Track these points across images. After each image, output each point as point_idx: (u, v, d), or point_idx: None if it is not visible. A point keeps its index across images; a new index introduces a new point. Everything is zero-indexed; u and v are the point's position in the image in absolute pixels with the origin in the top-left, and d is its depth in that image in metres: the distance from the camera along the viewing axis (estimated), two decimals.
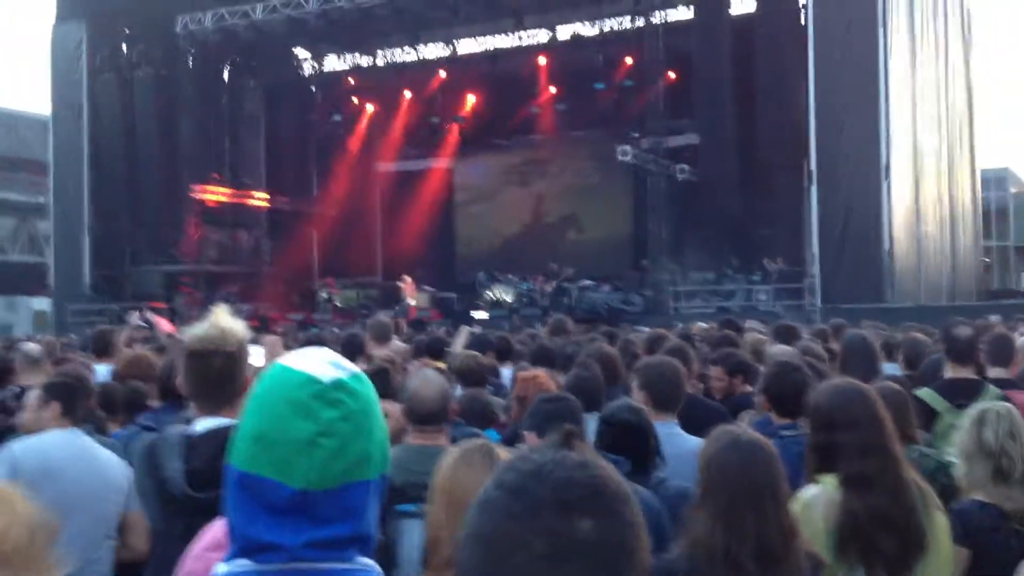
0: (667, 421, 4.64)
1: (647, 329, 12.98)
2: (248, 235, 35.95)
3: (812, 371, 5.09)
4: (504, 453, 2.95)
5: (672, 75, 29.48)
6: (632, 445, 4.04)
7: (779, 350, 6.61)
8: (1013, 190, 43.58)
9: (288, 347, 9.09)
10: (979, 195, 33.12)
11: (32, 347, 7.38)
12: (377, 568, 1.61)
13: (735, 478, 2.86)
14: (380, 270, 35.85)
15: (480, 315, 27.04)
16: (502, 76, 33.57)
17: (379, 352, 7.88)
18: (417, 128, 36.25)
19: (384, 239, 36.91)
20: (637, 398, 4.79)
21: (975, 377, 5.54)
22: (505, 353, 8.45)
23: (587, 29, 32.94)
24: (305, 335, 11.26)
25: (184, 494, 2.89)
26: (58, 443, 4.47)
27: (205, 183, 32.60)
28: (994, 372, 5.81)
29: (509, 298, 28.97)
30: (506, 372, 7.58)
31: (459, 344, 8.61)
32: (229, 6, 30.35)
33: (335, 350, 5.71)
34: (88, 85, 31.66)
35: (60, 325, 29.24)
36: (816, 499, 3.30)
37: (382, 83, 35.78)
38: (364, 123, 36.64)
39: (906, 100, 25.27)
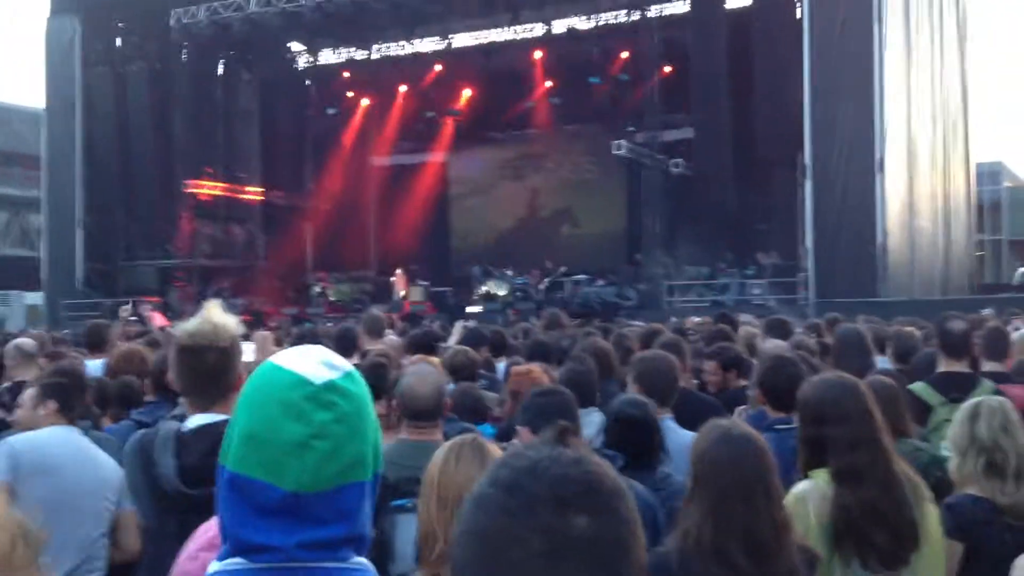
0: (661, 415, 4.64)
1: (639, 323, 13.00)
2: (242, 229, 35.93)
3: (804, 365, 5.09)
4: (494, 448, 2.97)
5: (667, 69, 29.49)
6: (638, 440, 4.05)
7: (771, 344, 6.61)
8: (1007, 184, 43.62)
9: (280, 342, 9.09)
10: (973, 189, 33.14)
11: (26, 341, 7.37)
12: (371, 567, 1.60)
13: (725, 472, 2.86)
14: (374, 264, 35.84)
15: (474, 309, 27.06)
16: (497, 70, 33.55)
17: (373, 347, 7.87)
18: (412, 122, 36.23)
19: (378, 233, 36.91)
20: (631, 392, 4.80)
21: (969, 371, 5.55)
22: (500, 347, 8.44)
23: (582, 23, 32.93)
24: (299, 330, 11.24)
25: (177, 491, 2.88)
26: (56, 439, 4.46)
27: (199, 177, 32.58)
28: (988, 366, 5.82)
29: (503, 292, 28.99)
30: (501, 366, 7.58)
31: (454, 339, 8.61)
32: None
33: (329, 345, 5.72)
34: (82, 79, 31.56)
35: (53, 319, 29.17)
36: (808, 493, 3.31)
37: (377, 77, 35.75)
38: (359, 117, 36.62)
39: (901, 94, 25.29)
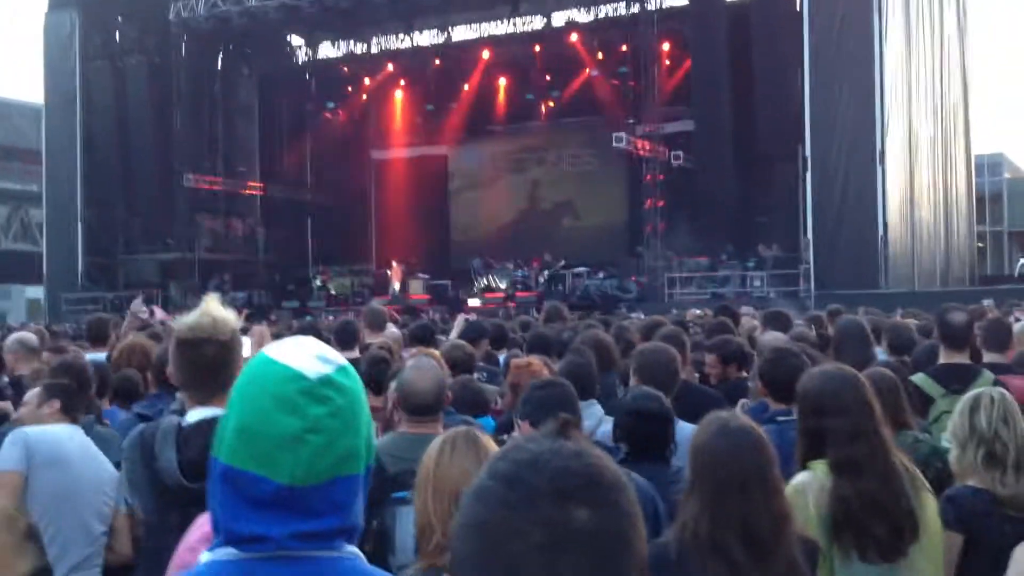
0: None
1: (636, 316, 13.01)
2: (242, 223, 35.94)
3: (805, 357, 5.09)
4: (489, 441, 2.98)
5: (667, 62, 29.48)
6: (653, 434, 4.05)
7: (770, 337, 6.61)
8: (1007, 175, 43.61)
9: (279, 336, 9.08)
10: (973, 181, 33.14)
11: (28, 336, 7.37)
12: (360, 554, 1.61)
13: (723, 464, 2.86)
14: (374, 258, 35.84)
15: (473, 302, 27.10)
16: (497, 63, 33.52)
17: (374, 340, 7.87)
18: (412, 115, 36.21)
19: (379, 227, 36.91)
20: (632, 384, 4.80)
21: (969, 363, 5.54)
22: (500, 340, 8.44)
23: (582, 16, 32.90)
24: (299, 323, 11.24)
25: (178, 484, 2.87)
26: (65, 435, 4.48)
27: (199, 171, 32.55)
28: (990, 357, 5.81)
29: (503, 285, 29.00)
30: (503, 359, 7.56)
31: (455, 333, 8.60)
32: None
33: (329, 338, 5.72)
34: (81, 73, 31.58)
35: (54, 313, 29.20)
36: (807, 485, 3.31)
37: (377, 70, 35.71)
38: (358, 110, 36.60)
39: (901, 86, 25.28)
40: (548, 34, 33.11)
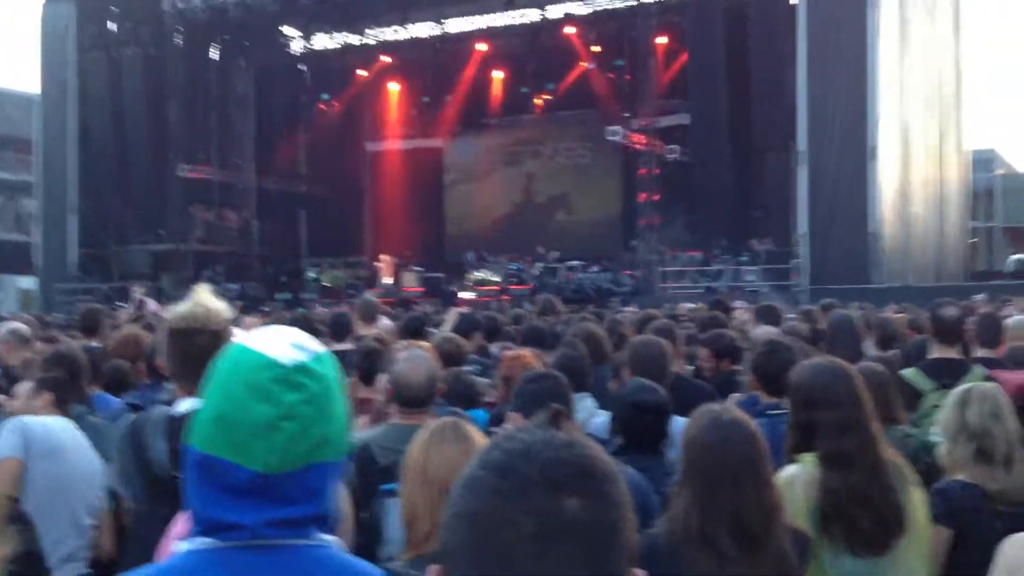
0: None
1: (630, 309, 13.02)
2: (236, 215, 35.87)
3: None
4: (475, 431, 3.01)
5: (664, 55, 29.44)
6: (651, 426, 4.06)
7: (761, 331, 6.62)
8: (1000, 171, 43.72)
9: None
10: (967, 176, 33.19)
11: (21, 326, 7.36)
12: (336, 542, 1.61)
13: (714, 457, 2.88)
14: (368, 250, 35.81)
15: (466, 295, 27.10)
16: (493, 55, 33.48)
17: (367, 332, 7.88)
18: (407, 107, 36.16)
19: (373, 219, 36.87)
20: (625, 377, 4.81)
21: (960, 357, 5.56)
22: (493, 333, 8.44)
23: (579, 8, 32.81)
24: (292, 315, 11.24)
25: (169, 475, 2.88)
26: (59, 427, 4.49)
27: (193, 162, 32.48)
28: (981, 352, 5.83)
29: (497, 279, 29.00)
30: (496, 352, 7.57)
31: (448, 326, 8.60)
32: None
33: (323, 330, 5.73)
34: (76, 64, 31.49)
35: (46, 304, 29.13)
36: (796, 477, 3.32)
37: (372, 62, 35.65)
38: (353, 102, 36.52)
39: (895, 82, 25.29)
40: (544, 27, 33.06)
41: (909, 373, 5.23)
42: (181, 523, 2.08)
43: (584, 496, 1.12)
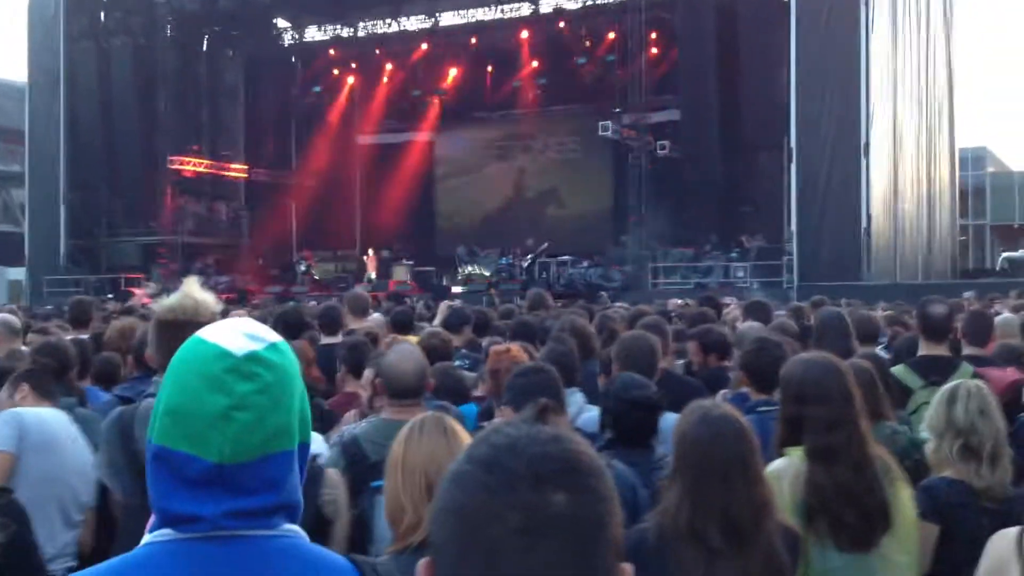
0: None
1: (620, 305, 13.02)
2: (226, 207, 35.83)
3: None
4: (457, 425, 3.03)
5: (654, 51, 29.45)
6: (642, 422, 4.06)
7: (747, 327, 6.63)
8: (990, 169, 43.89)
9: (262, 321, 9.06)
10: (957, 174, 33.31)
11: (11, 318, 7.34)
12: (301, 533, 1.61)
13: (705, 452, 2.89)
14: (359, 243, 35.76)
15: (456, 289, 27.10)
16: (484, 49, 33.46)
17: (357, 325, 7.87)
18: (398, 101, 36.12)
19: (363, 212, 36.81)
20: (614, 372, 4.81)
21: (949, 355, 5.58)
22: (483, 327, 8.44)
23: (570, 2, 32.82)
24: (281, 308, 11.22)
25: None
26: (54, 419, 4.47)
27: (183, 154, 32.40)
28: (970, 350, 5.85)
29: (488, 273, 28.99)
30: (486, 346, 7.56)
31: (439, 319, 8.60)
32: None
33: (313, 323, 5.71)
34: (65, 53, 31.32)
35: (35, 295, 29.05)
36: (783, 471, 3.33)
37: (363, 55, 35.59)
38: (344, 95, 36.48)
39: (887, 79, 25.35)
40: (536, 21, 33.03)
41: (898, 370, 5.24)
42: None
43: (571, 491, 1.12)
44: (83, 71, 31.59)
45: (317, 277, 31.88)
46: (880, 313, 9.76)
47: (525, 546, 1.09)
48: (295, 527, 1.60)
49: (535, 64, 33.15)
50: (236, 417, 1.51)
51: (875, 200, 24.27)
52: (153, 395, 3.22)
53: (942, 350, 5.54)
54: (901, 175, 26.25)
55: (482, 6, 33.68)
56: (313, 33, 36.95)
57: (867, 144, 23.89)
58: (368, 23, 35.59)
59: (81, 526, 4.46)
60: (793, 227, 24.58)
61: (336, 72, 36.15)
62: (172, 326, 2.98)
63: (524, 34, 32.81)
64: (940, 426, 3.65)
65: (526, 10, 33.30)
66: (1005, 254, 34.45)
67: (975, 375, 4.68)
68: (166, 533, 1.53)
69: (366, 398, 4.88)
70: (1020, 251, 33.41)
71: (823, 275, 22.42)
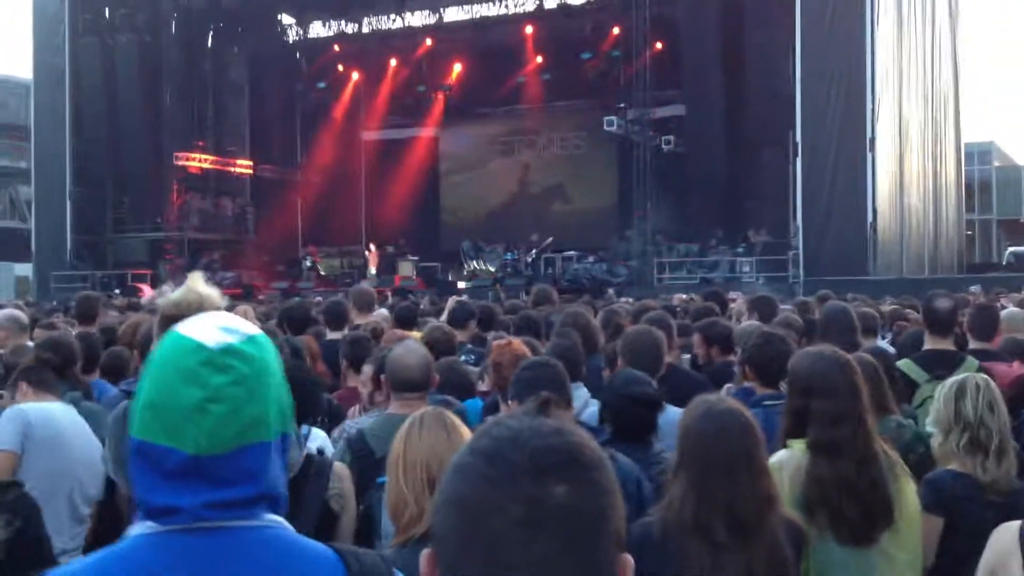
0: None
1: (626, 300, 13.03)
2: (232, 203, 35.85)
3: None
4: (457, 420, 3.06)
5: (659, 46, 29.40)
6: (642, 417, 4.06)
7: (746, 325, 6.62)
8: (997, 164, 43.77)
9: (268, 316, 9.09)
10: (963, 168, 33.25)
11: (19, 313, 7.36)
12: (284, 524, 1.62)
13: (709, 446, 2.89)
14: (364, 239, 35.78)
15: (461, 284, 27.12)
16: (488, 45, 33.42)
17: (363, 320, 7.89)
18: (402, 96, 36.11)
19: (368, 208, 36.82)
20: (619, 367, 4.81)
21: (954, 349, 5.57)
22: (488, 322, 8.44)
23: None
24: (287, 303, 11.26)
25: None
26: (61, 414, 4.47)
27: (188, 150, 32.42)
28: (975, 344, 5.83)
29: (492, 268, 29.00)
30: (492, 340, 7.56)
31: (446, 315, 8.60)
32: None
33: (318, 318, 5.72)
34: (70, 50, 31.35)
35: (42, 291, 29.11)
36: (784, 463, 3.33)
37: (368, 51, 35.59)
38: (349, 91, 36.46)
39: (892, 73, 25.30)
40: (540, 16, 33.00)
41: (903, 364, 5.24)
42: None
43: (572, 483, 1.13)
44: (88, 67, 31.61)
45: (323, 273, 31.91)
46: (885, 308, 9.77)
47: (526, 538, 1.10)
48: (278, 518, 1.61)
49: (539, 60, 33.10)
50: (211, 409, 1.53)
51: (880, 195, 24.23)
52: None
53: (947, 344, 5.53)
54: (907, 170, 26.20)
55: (486, 1, 33.65)
56: (318, 29, 36.96)
57: (872, 139, 23.84)
58: (372, 19, 35.58)
59: (90, 520, 4.47)
60: (799, 222, 24.55)
61: (341, 68, 36.13)
62: (176, 321, 2.97)
63: (528, 29, 32.76)
64: (948, 420, 3.64)
65: (530, 5, 33.28)
66: (1011, 248, 34.35)
67: (980, 369, 4.68)
68: (149, 526, 1.55)
69: (365, 394, 4.89)
70: None
71: (829, 270, 22.41)
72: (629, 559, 1.18)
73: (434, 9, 34.58)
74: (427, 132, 36.45)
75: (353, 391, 5.49)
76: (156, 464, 1.54)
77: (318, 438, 4.00)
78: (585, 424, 3.96)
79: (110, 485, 4.27)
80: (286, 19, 36.79)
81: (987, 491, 3.52)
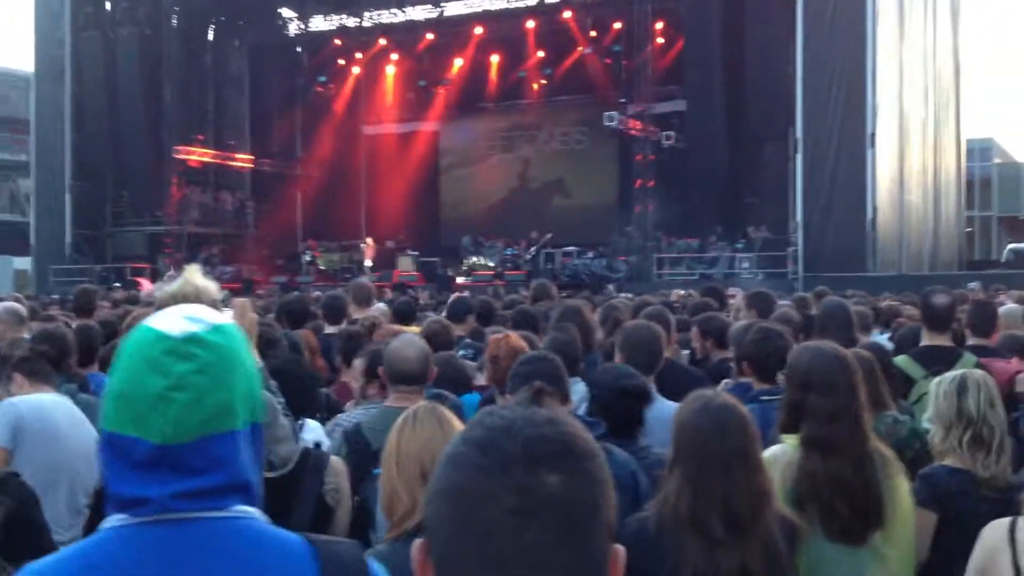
0: None
1: (626, 296, 13.03)
2: (232, 197, 35.84)
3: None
4: (451, 415, 3.07)
5: (660, 41, 29.39)
6: (631, 411, 4.05)
7: (738, 325, 6.61)
8: (997, 161, 43.72)
9: (267, 309, 9.09)
10: (963, 165, 33.22)
11: (18, 306, 7.36)
12: (258, 515, 1.61)
13: (705, 441, 2.88)
14: (364, 233, 35.76)
15: (461, 280, 27.13)
16: (489, 39, 33.38)
17: (361, 315, 7.89)
18: (403, 91, 36.07)
19: (368, 202, 36.81)
20: (616, 361, 4.81)
21: (951, 345, 5.57)
22: (487, 317, 8.45)
23: None
24: (286, 297, 11.26)
25: None
26: (55, 406, 4.46)
27: (188, 143, 32.41)
28: (974, 340, 5.83)
29: (493, 263, 29.00)
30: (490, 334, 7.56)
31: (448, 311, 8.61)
32: None
33: (317, 312, 5.74)
34: (71, 43, 31.34)
35: (41, 285, 29.10)
36: (776, 457, 3.32)
37: (369, 45, 35.54)
38: (350, 85, 36.44)
39: (893, 69, 25.28)
40: (541, 11, 32.95)
41: (900, 360, 5.24)
42: None
43: (565, 473, 1.13)
44: (89, 61, 31.59)
45: (322, 267, 31.89)
46: (882, 304, 9.77)
47: (519, 527, 1.10)
48: (250, 508, 1.60)
49: (541, 54, 33.08)
50: (175, 397, 1.54)
51: (881, 191, 24.22)
52: None
53: (945, 340, 5.53)
54: (907, 166, 26.18)
55: None
56: (319, 23, 36.91)
57: (873, 135, 23.83)
58: (374, 13, 35.53)
59: (88, 511, 4.47)
60: (799, 218, 24.54)
61: (341, 62, 36.10)
62: None
63: (530, 24, 32.72)
64: (949, 416, 3.63)
65: (532, 0, 33.23)
66: (1011, 245, 34.29)
67: (978, 365, 4.68)
68: (121, 518, 1.55)
69: (357, 388, 4.89)
70: None
71: (828, 266, 22.41)
72: (621, 550, 1.19)
73: (435, 3, 34.53)
74: (428, 127, 36.42)
75: (347, 385, 5.51)
76: (124, 455, 1.55)
77: (313, 431, 4.01)
78: (583, 418, 3.96)
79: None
80: (287, 13, 36.75)
81: (984, 487, 3.52)
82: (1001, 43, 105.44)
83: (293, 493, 3.50)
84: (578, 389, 4.79)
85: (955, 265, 29.91)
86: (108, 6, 32.46)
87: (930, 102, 28.59)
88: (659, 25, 29.26)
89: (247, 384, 1.63)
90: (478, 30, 33.64)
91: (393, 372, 4.17)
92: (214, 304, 3.02)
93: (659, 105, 29.13)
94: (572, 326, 5.63)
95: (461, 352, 6.54)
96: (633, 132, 28.48)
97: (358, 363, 4.86)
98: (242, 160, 35.33)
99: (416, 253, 30.70)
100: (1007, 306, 7.87)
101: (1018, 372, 5.29)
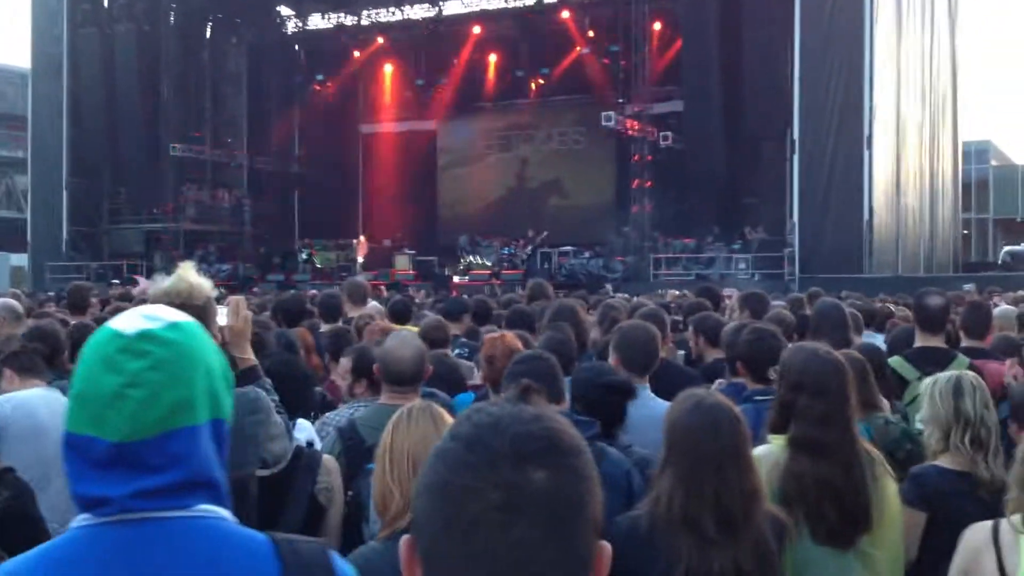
0: (639, 384, 4.64)
1: (622, 296, 13.03)
2: (228, 194, 35.81)
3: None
4: (445, 414, 3.06)
5: (658, 41, 29.41)
6: (616, 408, 4.04)
7: (729, 327, 6.63)
8: (994, 163, 43.78)
9: (262, 307, 9.09)
10: (960, 167, 33.26)
11: (14, 302, 7.35)
12: (224, 514, 1.61)
13: (697, 441, 2.88)
14: (361, 232, 35.77)
15: (458, 279, 27.14)
16: (487, 39, 33.39)
17: (356, 313, 7.88)
18: (401, 90, 36.07)
19: (365, 201, 36.81)
20: (612, 360, 4.81)
21: (945, 346, 5.56)
22: (484, 316, 8.45)
23: None
24: (282, 295, 11.25)
25: None
26: (42, 402, 4.44)
27: (186, 141, 32.38)
28: (968, 342, 5.83)
29: (490, 263, 29.01)
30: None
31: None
32: None
33: (313, 311, 5.72)
34: (68, 39, 31.31)
35: (38, 281, 29.08)
36: (763, 457, 3.32)
37: (367, 43, 35.54)
38: (348, 83, 36.42)
39: (891, 71, 25.31)
40: (539, 11, 32.98)
41: (894, 361, 5.23)
42: None
43: (551, 469, 1.13)
44: (86, 57, 31.56)
45: (319, 265, 31.87)
46: (876, 305, 9.78)
47: (505, 523, 1.11)
48: (214, 507, 1.59)
49: (538, 54, 33.09)
50: (130, 395, 1.54)
51: (877, 193, 24.25)
52: None
53: (938, 342, 5.52)
54: (904, 168, 26.22)
55: None
56: (316, 21, 36.91)
57: (870, 136, 23.86)
58: (372, 11, 35.54)
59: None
60: (795, 219, 24.57)
61: (339, 60, 36.09)
62: None
63: (528, 24, 32.73)
64: (947, 418, 3.62)
65: (530, 0, 33.24)
66: (1007, 248, 34.32)
67: (971, 367, 4.68)
68: (85, 518, 1.56)
69: (344, 386, 4.90)
70: (1022, 245, 33.31)
71: (825, 267, 22.43)
72: (607, 546, 1.19)
73: (433, 2, 34.55)
74: (425, 126, 36.45)
75: (331, 383, 5.52)
76: (83, 454, 1.56)
77: (305, 430, 4.01)
78: (576, 417, 3.96)
79: None
80: (285, 11, 36.75)
81: (981, 488, 3.51)
82: (998, 46, 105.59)
83: (286, 491, 3.50)
84: None
85: (951, 267, 29.95)
86: (106, 3, 32.45)
87: (927, 104, 28.64)
88: (657, 25, 29.29)
89: (208, 381, 1.63)
90: (476, 29, 33.66)
91: (388, 372, 4.16)
92: (208, 301, 3.03)
93: (657, 105, 29.17)
94: (566, 325, 5.63)
95: (456, 351, 6.54)
96: (630, 132, 28.50)
97: (345, 361, 4.86)
98: (239, 157, 35.30)
99: (413, 252, 30.70)
100: (1001, 308, 7.88)
101: (1013, 376, 5.29)
